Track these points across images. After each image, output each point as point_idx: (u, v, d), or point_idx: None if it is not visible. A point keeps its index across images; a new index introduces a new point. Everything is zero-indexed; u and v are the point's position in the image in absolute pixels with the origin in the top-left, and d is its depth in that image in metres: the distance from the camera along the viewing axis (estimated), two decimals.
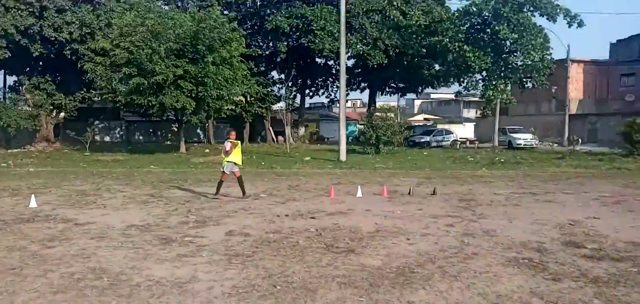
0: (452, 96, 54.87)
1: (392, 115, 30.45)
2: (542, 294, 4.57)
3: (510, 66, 32.51)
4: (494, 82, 32.13)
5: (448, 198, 11.30)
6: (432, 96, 78.27)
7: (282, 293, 4.60)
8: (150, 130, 43.13)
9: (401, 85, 43.50)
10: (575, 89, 42.31)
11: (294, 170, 19.16)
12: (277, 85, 39.18)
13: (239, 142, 11.61)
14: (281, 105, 37.86)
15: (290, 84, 36.73)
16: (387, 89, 44.45)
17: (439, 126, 45.34)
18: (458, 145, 36.46)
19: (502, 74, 32.25)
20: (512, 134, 34.58)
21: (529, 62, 32.18)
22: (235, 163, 11.18)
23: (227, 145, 11.12)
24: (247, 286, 4.83)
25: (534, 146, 33.67)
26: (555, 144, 36.42)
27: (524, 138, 33.89)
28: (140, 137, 43.51)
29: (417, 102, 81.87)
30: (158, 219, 8.63)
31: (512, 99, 33.20)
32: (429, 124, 53.78)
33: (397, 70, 37.91)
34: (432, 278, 5.09)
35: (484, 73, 33.41)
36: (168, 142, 38.35)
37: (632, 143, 24.54)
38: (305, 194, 12.00)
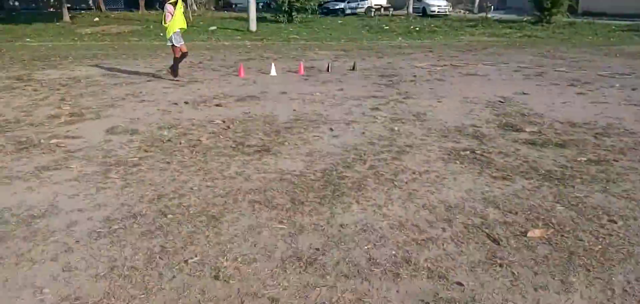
0: None
1: None
2: (497, 202, 3.81)
3: None
4: None
5: (368, 74, 10.36)
6: None
7: (174, 226, 3.42)
8: None
9: None
10: None
11: (197, 43, 17.10)
12: None
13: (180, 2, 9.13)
14: None
15: None
16: None
17: None
18: (373, 12, 35.34)
19: None
20: (426, 1, 33.95)
21: None
22: (180, 30, 9.03)
23: (170, 7, 8.88)
24: (125, 216, 3.57)
25: (448, 13, 33.45)
26: (467, 11, 36.56)
27: (438, 5, 33.44)
28: (16, 3, 37.50)
29: None
30: (20, 113, 6.83)
31: None
32: None
33: None
34: (365, 186, 4.15)
35: None
36: (51, 9, 33.36)
37: (541, 10, 24.85)
38: (210, 74, 10.45)
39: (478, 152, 5.09)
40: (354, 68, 10.95)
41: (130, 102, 7.61)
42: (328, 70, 10.69)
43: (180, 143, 5.39)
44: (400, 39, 19.35)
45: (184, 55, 9.29)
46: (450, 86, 9.06)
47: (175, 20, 8.87)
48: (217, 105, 7.36)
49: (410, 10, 32.60)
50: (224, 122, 6.33)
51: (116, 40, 18.38)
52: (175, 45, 9.01)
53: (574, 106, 7.31)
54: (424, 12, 33.55)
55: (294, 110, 7.03)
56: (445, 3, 34.00)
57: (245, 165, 4.68)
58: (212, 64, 11.98)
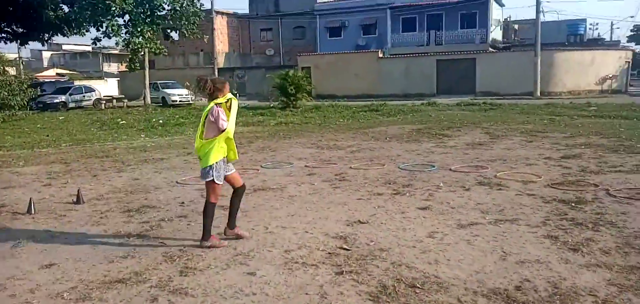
0: (90, 48, 47.21)
1: (11, 70, 22.08)
2: None
3: (156, 10, 28.39)
4: (139, 29, 27.40)
5: (105, 210, 6.44)
6: (65, 46, 66.78)
7: None
8: None
9: (20, 30, 33.33)
10: (222, 42, 41.91)
11: None
12: None
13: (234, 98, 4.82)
14: None
15: None
16: None
17: (77, 83, 37.50)
18: (103, 104, 30.28)
19: (147, 20, 27.80)
20: (165, 90, 30.84)
21: (178, 8, 28.88)
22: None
23: (221, 113, 4.61)
24: None
25: (191, 102, 30.97)
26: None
27: (178, 94, 30.67)
28: None
29: (46, 55, 68.58)
30: None
31: (162, 48, 29.30)
32: (63, 80, 44.61)
33: (10, 9, 28.31)
34: None
35: (127, 17, 28.28)
36: None
37: (287, 96, 24.53)
38: None
39: None
40: (79, 200, 6.84)
41: None
42: (30, 211, 6.33)
43: None
44: (143, 136, 15.52)
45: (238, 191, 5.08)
46: (242, 216, 5.95)
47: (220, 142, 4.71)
48: None
49: (149, 100, 28.94)
50: None
51: None
52: (217, 182, 4.75)
53: (445, 245, 5.07)
54: (164, 102, 30.29)
55: None
56: (186, 91, 31.53)
57: None
58: None
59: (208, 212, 4.78)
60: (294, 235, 5.07)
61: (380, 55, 35.40)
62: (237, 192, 5.00)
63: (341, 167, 9.09)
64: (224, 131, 4.58)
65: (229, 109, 4.65)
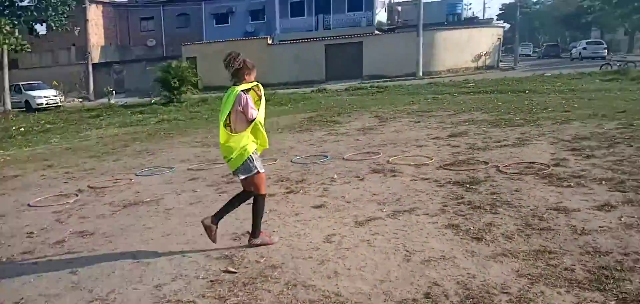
0: None
1: None
2: None
3: (16, 2, 24.91)
4: None
5: None
6: None
7: None
8: None
9: None
10: (96, 35, 38.30)
11: None
12: None
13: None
14: None
15: None
16: None
17: None
18: None
19: (6, 11, 24.27)
20: (29, 92, 27.33)
21: None
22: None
23: (249, 101, 4.14)
24: None
25: (59, 104, 27.80)
26: (83, 100, 31.72)
27: (46, 96, 27.37)
28: None
29: None
30: None
31: (25, 44, 25.76)
32: None
33: None
34: None
35: None
36: None
37: (170, 90, 22.88)
38: None
39: None
40: None
41: None
42: None
43: None
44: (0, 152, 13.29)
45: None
46: (106, 242, 4.96)
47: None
48: None
49: (9, 106, 25.45)
50: None
51: None
52: (261, 171, 4.26)
53: (344, 250, 4.54)
54: (28, 106, 26.86)
55: None
56: (55, 92, 28.23)
57: None
58: None
59: (260, 207, 4.35)
60: (169, 262, 4.23)
61: (270, 41, 34.67)
62: (241, 197, 4.43)
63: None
64: (253, 120, 4.13)
65: (258, 95, 4.25)
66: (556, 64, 34.91)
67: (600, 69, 24.68)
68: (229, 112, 4.13)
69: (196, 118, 17.05)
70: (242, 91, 4.11)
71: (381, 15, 39.79)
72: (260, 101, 4.25)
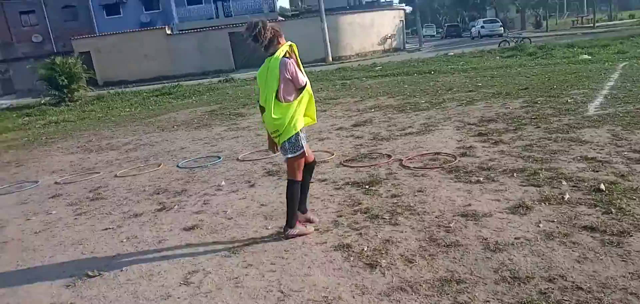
0: None
1: None
2: None
3: None
4: None
5: None
6: None
7: None
8: None
9: None
10: None
11: None
12: None
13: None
14: None
15: None
16: None
17: None
18: None
19: None
20: None
21: None
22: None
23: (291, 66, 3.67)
24: None
25: None
26: None
27: None
28: None
29: None
30: None
31: None
32: None
33: None
34: None
35: None
36: None
37: (58, 88, 20.38)
38: None
39: None
40: None
41: None
42: None
43: None
44: None
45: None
46: None
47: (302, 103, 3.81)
48: None
49: None
50: None
51: None
52: (303, 147, 3.87)
53: (203, 296, 3.55)
54: None
55: None
56: None
57: None
58: None
59: (295, 194, 3.90)
60: None
61: (169, 32, 32.48)
62: (309, 168, 4.08)
63: (104, 176, 7.15)
64: (304, 87, 3.74)
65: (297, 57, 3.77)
66: (458, 44, 36.01)
67: (498, 46, 25.55)
68: (272, 84, 3.65)
69: (88, 118, 15.20)
70: (284, 57, 3.66)
71: (283, 1, 38.99)
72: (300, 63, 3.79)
